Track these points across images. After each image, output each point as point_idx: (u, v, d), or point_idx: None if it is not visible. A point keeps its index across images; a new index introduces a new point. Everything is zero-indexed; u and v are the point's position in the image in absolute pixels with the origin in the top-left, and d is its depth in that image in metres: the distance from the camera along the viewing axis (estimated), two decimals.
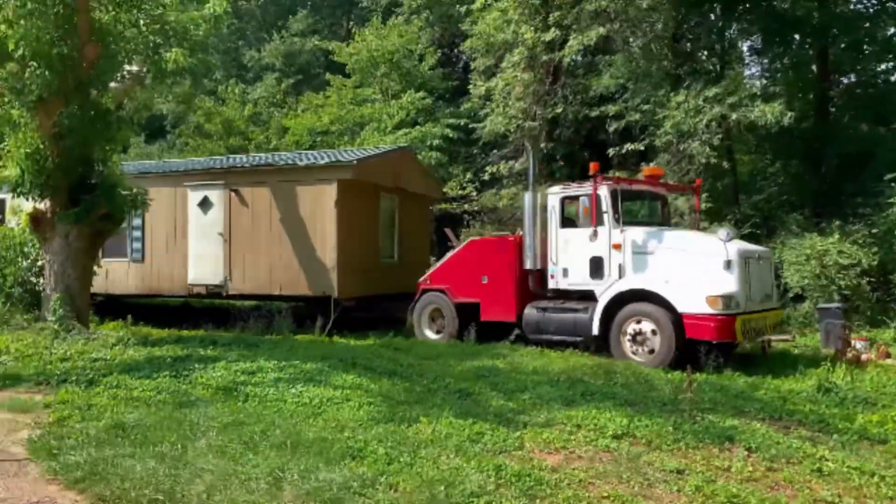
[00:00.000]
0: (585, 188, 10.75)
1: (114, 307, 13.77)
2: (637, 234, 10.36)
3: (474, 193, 20.03)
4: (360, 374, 8.27)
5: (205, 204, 14.10)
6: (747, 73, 21.18)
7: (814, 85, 17.86)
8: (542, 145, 17.91)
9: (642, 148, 15.96)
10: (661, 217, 11.66)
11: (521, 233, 11.73)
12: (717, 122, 14.34)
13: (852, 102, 18.36)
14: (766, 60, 20.06)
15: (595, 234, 10.48)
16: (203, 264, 14.01)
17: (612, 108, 16.91)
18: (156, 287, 14.64)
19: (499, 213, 18.62)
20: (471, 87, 20.60)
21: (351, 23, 25.04)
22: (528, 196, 11.41)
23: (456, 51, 25.11)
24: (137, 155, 23.85)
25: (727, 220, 14.89)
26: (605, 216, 10.45)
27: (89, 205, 10.39)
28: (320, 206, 13.08)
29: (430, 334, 12.25)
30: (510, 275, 11.50)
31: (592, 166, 10.72)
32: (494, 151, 20.20)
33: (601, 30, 15.85)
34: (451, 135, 20.93)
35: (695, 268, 9.79)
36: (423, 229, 16.66)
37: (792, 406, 7.55)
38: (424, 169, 17.10)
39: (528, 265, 11.30)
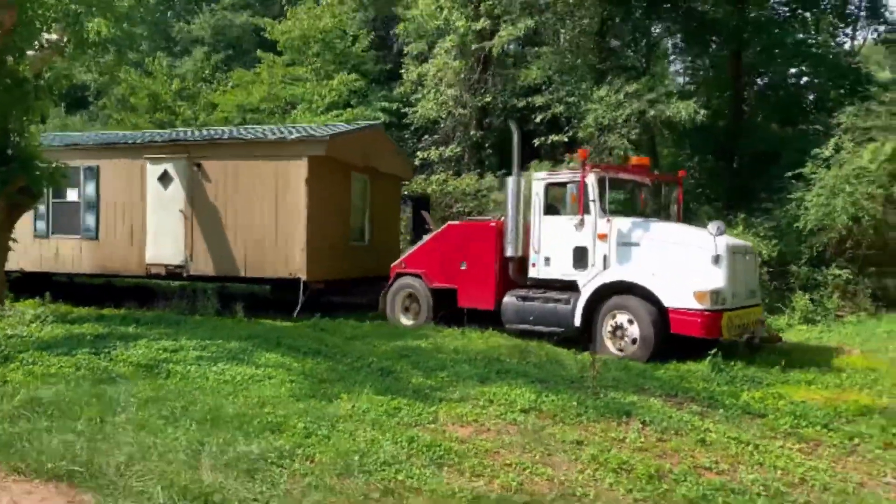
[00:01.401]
0: (573, 175, 10.42)
1: (65, 288, 13.27)
2: (623, 224, 10.06)
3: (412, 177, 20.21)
4: (284, 353, 8.46)
5: (165, 178, 13.37)
6: (671, 70, 22.21)
7: (729, 85, 18.86)
8: (472, 133, 18.30)
9: (566, 139, 16.54)
10: (644, 207, 11.44)
11: (502, 218, 11.30)
12: (637, 117, 15.00)
13: (763, 103, 19.50)
14: (686, 60, 20.98)
15: (582, 222, 10.14)
16: (162, 243, 13.29)
17: (539, 100, 17.42)
18: (110, 267, 13.86)
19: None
20: (403, 71, 20.75)
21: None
22: (511, 181, 10.96)
23: (391, 34, 25.11)
24: (56, 126, 22.94)
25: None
26: (592, 205, 10.13)
27: (4, 176, 10.07)
28: (290, 183, 12.51)
29: (404, 320, 11.98)
30: (490, 261, 11.15)
31: (581, 153, 10.49)
32: (426, 137, 20.46)
33: (530, 21, 16.24)
34: (383, 118, 21.07)
35: (682, 261, 9.52)
36: (394, 210, 16.24)
37: (687, 384, 8.13)
38: (396, 148, 16.73)
39: (509, 252, 10.92)
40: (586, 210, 10.19)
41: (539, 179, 10.93)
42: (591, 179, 10.20)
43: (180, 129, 17.83)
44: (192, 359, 7.89)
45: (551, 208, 10.79)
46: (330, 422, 6.01)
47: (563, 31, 16.99)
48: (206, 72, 25.90)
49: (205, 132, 15.18)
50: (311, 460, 5.20)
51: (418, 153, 19.58)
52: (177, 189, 13.30)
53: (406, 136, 22.10)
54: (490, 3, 17.41)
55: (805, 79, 19.65)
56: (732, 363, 8.96)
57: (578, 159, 10.35)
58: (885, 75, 19.33)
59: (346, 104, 21.17)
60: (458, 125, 18.66)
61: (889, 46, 19.93)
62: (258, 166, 12.80)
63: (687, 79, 21.13)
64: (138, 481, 4.64)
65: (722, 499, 4.84)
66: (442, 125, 19.45)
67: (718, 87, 19.53)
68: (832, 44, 20.38)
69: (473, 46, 18.12)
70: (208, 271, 13.15)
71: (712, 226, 9.36)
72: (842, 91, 17.84)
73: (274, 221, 12.66)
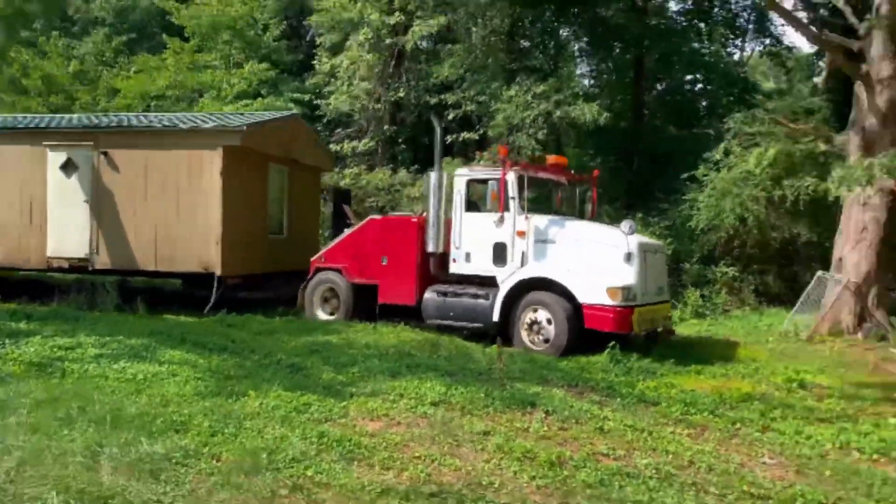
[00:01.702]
0: (494, 172, 10.54)
1: None
2: (541, 221, 10.29)
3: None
4: (189, 350, 8.23)
5: (68, 167, 12.63)
6: (578, 72, 23.01)
7: (630, 89, 19.76)
8: (385, 128, 18.33)
9: (477, 137, 16.86)
10: (560, 206, 11.64)
11: (424, 214, 11.31)
12: (544, 117, 15.48)
13: (662, 107, 20.55)
14: (592, 63, 21.81)
15: (501, 219, 10.28)
16: (65, 235, 12.55)
17: (451, 97, 17.64)
18: (7, 260, 13.00)
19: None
20: (316, 62, 20.49)
21: None
22: (433, 176, 11.00)
23: (304, 24, 24.69)
24: None
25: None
26: (512, 202, 10.28)
27: None
28: (204, 174, 12.11)
29: (323, 315, 11.82)
30: (412, 257, 11.14)
31: (501, 150, 10.62)
32: (339, 130, 20.30)
33: (443, 19, 16.42)
34: (294, 110, 20.71)
35: (596, 258, 9.85)
36: (313, 203, 15.93)
37: (587, 375, 8.53)
38: (317, 139, 16.40)
39: (430, 248, 10.95)
40: (506, 207, 10.32)
41: (460, 176, 10.98)
42: (511, 177, 10.35)
43: (85, 114, 16.85)
44: (91, 357, 7.56)
45: (472, 205, 10.87)
46: (237, 420, 5.93)
47: (475, 29, 17.28)
48: (108, 55, 24.55)
49: (113, 118, 14.50)
50: (217, 459, 5.12)
51: (331, 146, 19.42)
52: (82, 178, 12.64)
53: (319, 128, 21.83)
54: None
55: (699, 86, 20.89)
56: (630, 355, 9.43)
57: (499, 157, 10.50)
58: (769, 85, 20.80)
59: (257, 94, 20.68)
60: (372, 119, 18.62)
61: (773, 58, 21.45)
62: (171, 156, 12.33)
63: (592, 81, 21.97)
64: (31, 487, 4.43)
65: (618, 483, 5.12)
66: (355, 118, 19.35)
67: (621, 91, 20.43)
68: (724, 54, 21.74)
69: (387, 41, 18.11)
70: (116, 265, 12.62)
71: (625, 225, 9.75)
72: (731, 98, 19.08)
73: (188, 213, 12.26)
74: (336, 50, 19.56)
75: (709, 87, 20.38)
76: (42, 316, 9.40)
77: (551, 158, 11.66)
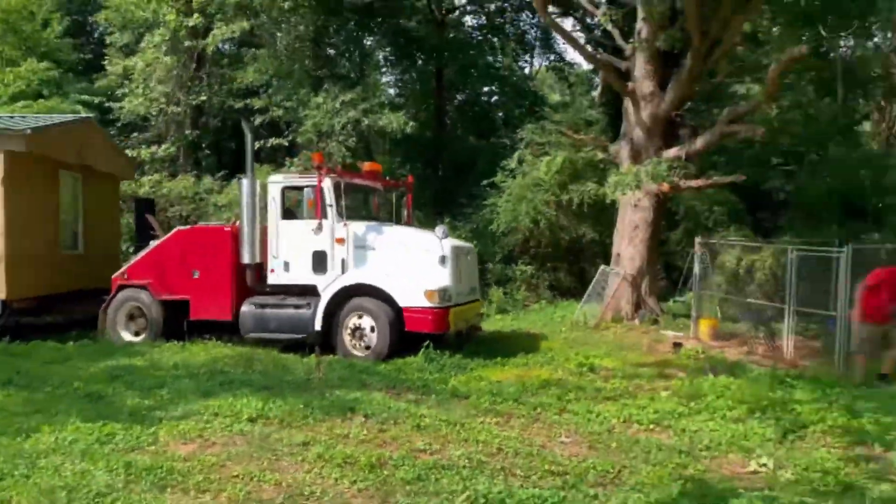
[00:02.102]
0: (310, 179, 10.39)
1: None
2: (359, 228, 10.31)
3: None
4: None
5: None
6: (385, 80, 23.55)
7: (433, 99, 20.64)
8: (187, 132, 17.42)
9: (286, 143, 16.65)
10: (376, 212, 11.70)
11: (237, 223, 10.85)
12: (353, 125, 15.72)
13: (462, 117, 21.72)
14: (396, 73, 22.45)
15: (320, 227, 10.18)
16: None
17: (257, 102, 17.24)
18: None
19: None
20: (106, 63, 18.91)
21: None
22: (245, 183, 10.58)
23: (91, 20, 22.63)
24: None
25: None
26: (329, 209, 10.21)
27: None
28: None
29: (129, 336, 10.98)
30: (226, 269, 10.66)
31: (316, 157, 10.50)
32: (135, 134, 18.88)
33: (245, 24, 16.00)
34: (83, 112, 18.93)
35: (413, 263, 10.03)
36: (113, 214, 14.58)
37: (404, 376, 8.88)
38: (114, 145, 15.02)
39: (245, 259, 10.52)
40: (324, 214, 10.26)
41: (275, 183, 10.74)
42: (328, 184, 10.30)
43: None
44: None
45: (289, 213, 10.71)
46: (29, 459, 5.46)
47: (280, 34, 17.02)
48: None
49: None
50: None
51: (127, 151, 18.03)
52: None
53: (112, 132, 20.13)
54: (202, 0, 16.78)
55: (495, 97, 22.35)
56: (443, 354, 9.93)
57: (314, 164, 10.42)
58: (556, 98, 22.80)
59: (38, 94, 18.54)
60: (172, 123, 17.57)
61: (556, 73, 23.54)
62: None
63: (397, 91, 22.61)
64: None
65: (434, 476, 5.43)
66: (153, 122, 18.12)
67: (424, 101, 21.25)
68: (515, 68, 23.44)
69: (186, 43, 17.20)
70: None
71: (438, 229, 10.09)
72: (523, 110, 20.64)
73: None
74: (129, 50, 18.18)
75: (503, 99, 21.87)
76: None
77: (366, 165, 11.81)
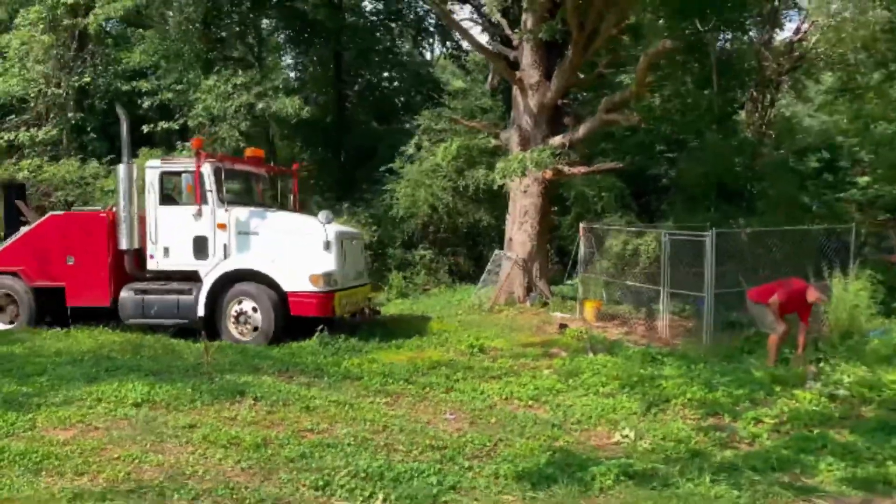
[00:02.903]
0: (188, 164, 10.32)
1: None
2: (242, 213, 10.33)
3: None
4: None
5: None
6: (284, 64, 23.11)
7: (333, 83, 20.52)
8: (70, 115, 16.56)
9: (177, 127, 16.17)
10: (261, 198, 11.71)
11: (114, 208, 10.71)
12: (246, 109, 15.45)
13: (363, 102, 21.70)
14: (295, 56, 22.12)
15: (199, 212, 10.15)
16: None
17: (145, 85, 16.61)
18: None
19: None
20: None
21: None
22: (122, 168, 10.46)
23: None
24: None
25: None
26: (210, 195, 10.20)
27: None
28: None
29: (0, 325, 10.74)
30: (103, 255, 10.51)
31: (195, 142, 10.40)
32: (12, 117, 17.76)
33: (129, 3, 15.37)
34: None
35: (298, 248, 10.10)
36: None
37: (298, 360, 8.95)
38: None
39: (123, 245, 10.43)
40: (204, 200, 10.27)
41: (152, 168, 10.64)
42: (206, 169, 10.29)
43: None
44: None
45: (168, 198, 10.64)
46: None
47: (170, 14, 16.41)
48: None
49: None
50: None
51: (2, 134, 16.93)
52: None
53: None
54: None
55: (395, 83, 22.43)
56: (338, 337, 10.09)
57: (192, 148, 10.40)
58: (459, 84, 23.02)
59: None
60: (53, 105, 16.66)
61: (453, 60, 23.84)
62: None
63: (296, 74, 22.29)
64: None
65: (318, 454, 5.60)
66: (32, 104, 17.10)
67: (324, 85, 21.09)
68: (415, 54, 23.58)
69: (66, 21, 16.29)
70: None
71: (322, 215, 10.21)
72: (422, 96, 20.85)
73: None
74: (2, 27, 17.03)
75: (402, 85, 22.00)
76: None
77: (248, 151, 11.82)
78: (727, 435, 6.42)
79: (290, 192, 12.32)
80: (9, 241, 11.20)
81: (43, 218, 11.30)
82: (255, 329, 10.13)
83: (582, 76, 13.55)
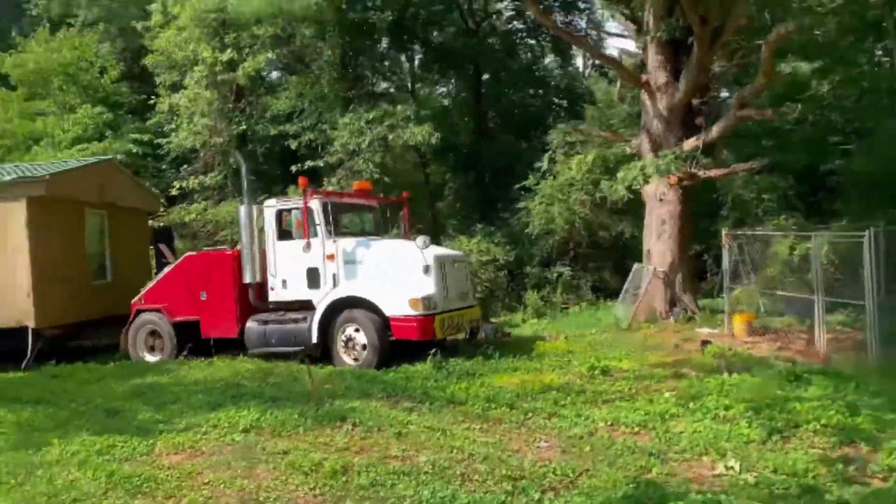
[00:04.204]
0: (298, 202, 11.09)
1: None
2: (347, 244, 10.88)
3: (161, 210, 19.71)
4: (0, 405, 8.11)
5: None
6: (424, 92, 23.80)
7: (473, 106, 20.77)
8: (232, 161, 18.37)
9: (321, 164, 17.24)
10: (375, 228, 12.23)
11: (239, 247, 11.66)
12: (379, 142, 16.11)
13: (503, 122, 21.70)
14: (431, 84, 22.69)
15: (308, 245, 10.80)
16: None
17: (291, 128, 17.97)
18: None
19: (190, 227, 18.53)
20: (155, 101, 20.30)
21: (20, 30, 22.87)
22: (243, 209, 11.43)
23: (142, 63, 24.34)
24: None
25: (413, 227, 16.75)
26: (318, 228, 10.82)
27: None
28: (9, 226, 11.95)
29: (149, 357, 11.84)
30: (230, 289, 11.40)
31: (301, 181, 11.20)
32: (185, 167, 20.15)
33: (270, 54, 16.76)
34: (135, 150, 20.35)
35: (398, 274, 10.47)
36: (141, 245, 15.71)
37: (409, 384, 8.98)
38: (136, 181, 16.22)
39: (247, 279, 11.26)
40: (313, 233, 10.86)
41: (269, 207, 11.44)
42: (314, 205, 10.92)
43: None
44: None
45: (284, 233, 11.26)
46: (30, 469, 5.99)
47: (309, 60, 17.69)
48: None
49: None
50: None
51: (176, 183, 19.23)
52: None
53: (164, 166, 21.55)
54: (234, 35, 17.70)
55: (535, 100, 22.15)
56: (455, 360, 10.04)
57: (300, 187, 11.06)
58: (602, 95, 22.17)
59: (99, 137, 20.13)
60: (218, 153, 18.65)
61: (597, 70, 23.08)
62: None
63: (433, 102, 22.83)
64: None
65: (391, 482, 5.57)
66: (201, 154, 19.29)
67: (465, 109, 21.41)
68: (557, 69, 23.18)
69: (223, 77, 18.21)
70: None
71: (419, 240, 10.39)
72: (564, 110, 20.39)
73: None
74: (177, 88, 19.46)
75: (543, 101, 21.67)
76: None
77: (356, 184, 12.41)
78: (856, 468, 5.46)
79: (401, 219, 12.64)
80: (154, 281, 12.40)
81: (180, 258, 12.45)
82: (363, 351, 10.44)
83: (715, 72, 12.49)
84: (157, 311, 11.86)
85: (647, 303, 12.87)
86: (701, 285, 16.59)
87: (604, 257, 16.83)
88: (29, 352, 11.62)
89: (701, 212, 16.67)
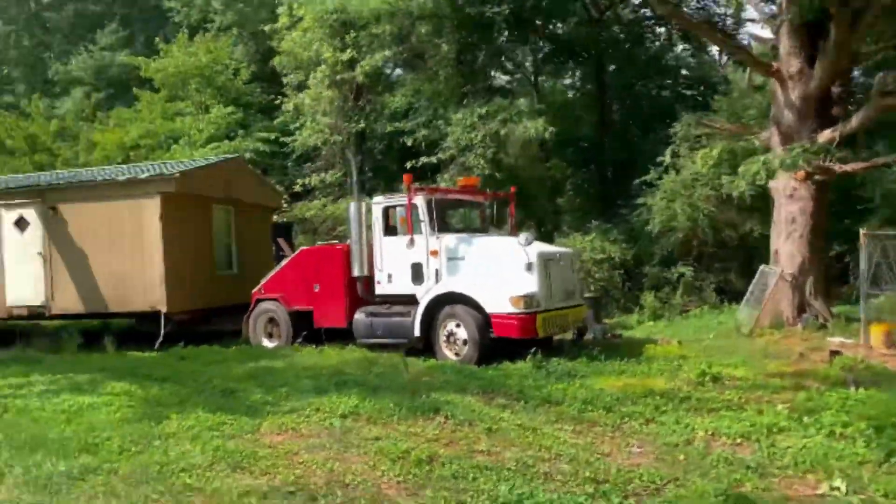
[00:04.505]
0: (404, 199, 11.31)
1: None
2: (450, 240, 11.00)
3: (284, 205, 20.75)
4: (132, 381, 8.91)
5: (21, 223, 13.91)
6: (547, 86, 23.45)
7: (596, 99, 20.22)
8: (351, 158, 19.06)
9: (435, 161, 17.46)
10: (480, 223, 12.39)
11: (348, 241, 12.10)
12: (492, 137, 16.05)
13: (627, 114, 20.92)
14: (552, 76, 22.28)
15: (412, 241, 11.04)
16: (22, 285, 13.74)
17: (406, 125, 18.34)
18: None
19: (311, 222, 19.42)
20: (281, 101, 21.48)
21: (164, 36, 25.07)
22: (352, 206, 11.84)
23: (271, 64, 25.82)
24: None
25: (525, 224, 16.62)
26: (423, 224, 11.02)
27: None
28: (145, 220, 13.09)
29: (267, 343, 12.58)
30: (340, 282, 11.91)
31: (406, 178, 11.49)
32: (308, 164, 21.16)
33: (387, 52, 17.17)
34: (263, 148, 21.66)
35: (500, 270, 10.49)
36: (263, 239, 16.66)
37: (507, 381, 8.89)
38: (260, 178, 17.37)
39: (355, 272, 11.68)
40: (417, 230, 11.08)
41: (377, 204, 11.81)
42: (420, 201, 11.11)
43: (33, 174, 18.29)
44: (37, 392, 8.27)
45: (391, 229, 11.58)
46: (148, 439, 6.55)
47: (427, 57, 17.98)
48: (87, 111, 25.90)
49: (59, 176, 15.74)
50: (115, 473, 5.73)
51: (299, 180, 20.28)
52: (34, 232, 13.77)
53: (289, 164, 22.77)
54: (353, 35, 18.34)
55: (664, 91, 21.18)
56: (558, 360, 9.86)
57: (405, 184, 11.26)
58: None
59: (230, 136, 21.67)
60: (339, 151, 19.46)
61: (730, 58, 21.62)
62: (113, 206, 13.39)
63: (556, 95, 22.43)
64: None
65: (472, 475, 5.57)
66: (322, 152, 20.21)
67: (588, 101, 20.88)
68: (689, 57, 22.01)
69: (343, 75, 18.93)
70: (70, 309, 13.59)
71: (522, 237, 10.29)
72: (695, 101, 19.33)
73: (134, 257, 13.16)
74: (302, 88, 20.50)
75: (672, 91, 20.68)
76: (2, 360, 10.17)
77: (461, 180, 12.45)
78: None
79: (507, 215, 12.57)
80: (272, 273, 13.08)
81: (296, 252, 13.10)
82: (464, 347, 10.49)
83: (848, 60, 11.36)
84: (275, 300, 12.56)
85: (773, 307, 11.99)
86: (841, 290, 15.24)
87: (729, 257, 15.84)
88: (161, 334, 12.73)
89: (844, 209, 15.31)
